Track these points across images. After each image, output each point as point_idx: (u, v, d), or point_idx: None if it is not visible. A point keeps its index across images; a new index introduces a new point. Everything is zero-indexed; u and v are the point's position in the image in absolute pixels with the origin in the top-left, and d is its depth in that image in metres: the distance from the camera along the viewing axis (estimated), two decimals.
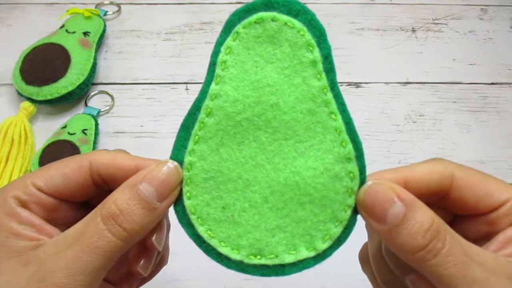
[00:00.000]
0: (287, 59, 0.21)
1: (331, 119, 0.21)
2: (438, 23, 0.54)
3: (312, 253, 0.22)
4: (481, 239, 0.21)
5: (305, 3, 0.22)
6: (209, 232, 0.22)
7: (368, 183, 0.20)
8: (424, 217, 0.18)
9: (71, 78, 0.44)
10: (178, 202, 0.21)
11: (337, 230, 0.21)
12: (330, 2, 0.56)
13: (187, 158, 0.21)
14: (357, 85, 0.49)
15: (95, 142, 0.43)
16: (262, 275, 0.22)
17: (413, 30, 0.53)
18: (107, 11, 0.52)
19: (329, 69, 0.21)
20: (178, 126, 0.44)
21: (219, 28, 0.56)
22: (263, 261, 0.22)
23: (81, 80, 0.44)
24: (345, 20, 0.54)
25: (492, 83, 0.50)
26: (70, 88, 0.43)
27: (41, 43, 0.45)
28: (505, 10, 0.56)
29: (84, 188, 0.21)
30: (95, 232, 0.19)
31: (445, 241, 0.18)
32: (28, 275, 0.18)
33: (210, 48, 0.55)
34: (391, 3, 0.56)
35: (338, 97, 0.21)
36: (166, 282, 0.37)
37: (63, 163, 0.21)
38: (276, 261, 0.22)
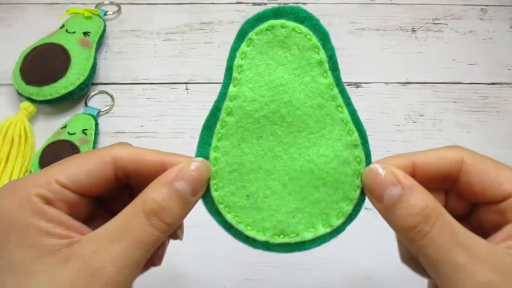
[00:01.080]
0: (296, 61, 0.24)
1: (338, 112, 0.24)
2: (438, 23, 0.54)
3: (328, 229, 0.24)
4: (494, 229, 0.21)
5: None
6: (236, 218, 0.24)
7: (370, 165, 0.22)
8: (417, 201, 0.20)
9: (71, 78, 0.44)
10: (206, 194, 0.24)
11: (348, 208, 0.24)
12: (330, 2, 0.56)
13: (212, 154, 0.24)
14: (357, 85, 0.49)
15: (95, 142, 0.43)
16: (286, 252, 0.25)
17: (413, 30, 0.54)
18: (107, 11, 0.52)
19: (334, 67, 0.24)
20: (178, 126, 0.46)
21: (219, 28, 0.56)
22: (286, 239, 0.24)
23: (81, 80, 0.44)
24: (345, 20, 0.54)
25: (492, 83, 0.50)
26: (70, 88, 0.43)
27: (41, 43, 0.45)
28: (505, 10, 0.56)
29: (106, 183, 0.22)
30: (140, 228, 0.20)
31: (433, 225, 0.19)
32: (73, 273, 0.19)
33: (210, 48, 0.55)
34: (391, 3, 0.56)
35: (343, 92, 0.24)
36: (167, 282, 0.37)
37: (84, 158, 0.22)
38: (298, 239, 0.24)
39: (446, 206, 0.24)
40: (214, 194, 0.24)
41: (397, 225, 0.20)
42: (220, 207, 0.24)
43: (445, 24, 0.54)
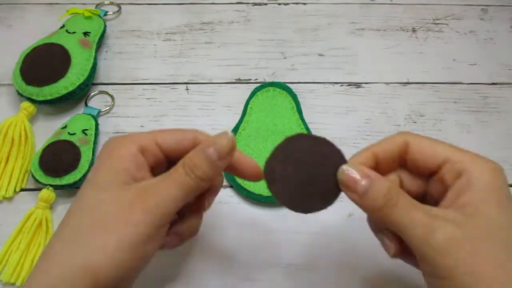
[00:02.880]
0: (280, 106, 0.45)
1: (302, 130, 0.44)
2: (438, 23, 0.54)
3: None
4: (442, 199, 0.27)
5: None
6: (243, 181, 0.41)
7: (343, 167, 0.27)
8: (381, 187, 0.26)
9: (71, 78, 0.44)
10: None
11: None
12: (330, 2, 0.55)
13: None
14: (357, 85, 0.49)
15: (95, 142, 0.43)
16: (272, 201, 0.40)
17: (414, 30, 0.53)
18: (107, 11, 0.52)
19: (299, 111, 0.45)
20: (178, 126, 0.46)
21: (219, 28, 0.56)
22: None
23: (81, 80, 0.44)
24: (345, 20, 0.54)
25: (493, 83, 0.50)
26: (70, 88, 0.43)
27: (41, 43, 0.45)
28: (505, 10, 0.56)
29: (182, 153, 0.29)
30: (178, 175, 0.27)
31: (397, 201, 0.25)
32: (133, 195, 0.26)
33: (210, 48, 0.55)
34: (391, 3, 0.56)
35: (304, 122, 0.45)
36: (166, 282, 0.37)
37: (175, 131, 0.30)
38: None
39: (404, 187, 0.30)
40: None
41: (370, 207, 0.26)
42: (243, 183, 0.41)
43: (446, 24, 0.54)
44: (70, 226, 0.26)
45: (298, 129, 0.43)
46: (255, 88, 0.46)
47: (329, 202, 0.28)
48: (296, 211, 0.28)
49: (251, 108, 0.45)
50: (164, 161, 0.30)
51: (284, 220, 0.41)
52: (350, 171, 0.26)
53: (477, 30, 0.54)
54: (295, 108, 0.45)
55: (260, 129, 0.43)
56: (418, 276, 0.39)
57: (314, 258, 0.39)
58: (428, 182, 0.29)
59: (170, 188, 0.27)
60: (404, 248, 0.28)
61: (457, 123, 0.47)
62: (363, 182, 0.26)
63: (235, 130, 0.44)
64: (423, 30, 0.54)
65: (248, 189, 0.40)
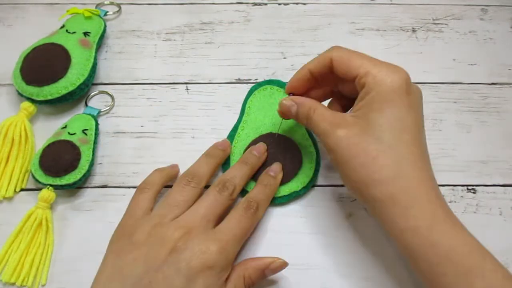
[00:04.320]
0: (276, 105, 0.40)
1: (299, 128, 0.43)
2: (438, 23, 0.54)
3: (298, 188, 0.41)
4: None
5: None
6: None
7: (281, 100, 0.37)
8: (305, 107, 0.35)
9: (72, 78, 0.44)
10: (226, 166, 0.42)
11: (307, 179, 0.42)
12: (330, 2, 0.56)
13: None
14: None
15: (95, 142, 0.43)
16: (273, 202, 0.41)
17: (413, 30, 0.53)
18: (107, 11, 0.52)
19: None
20: (178, 126, 0.46)
21: (219, 28, 0.56)
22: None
23: (82, 80, 0.44)
24: (345, 20, 0.54)
25: (493, 83, 0.50)
26: (71, 88, 0.43)
27: (41, 43, 0.45)
28: (505, 10, 0.56)
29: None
30: (237, 213, 0.37)
31: (314, 114, 0.35)
32: None
33: (210, 48, 0.55)
34: (391, 3, 0.56)
35: None
36: None
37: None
38: (278, 194, 0.41)
39: (344, 89, 0.38)
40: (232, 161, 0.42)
41: (300, 121, 0.36)
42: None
43: (446, 24, 0.54)
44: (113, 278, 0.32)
45: (297, 128, 0.43)
46: (253, 87, 0.46)
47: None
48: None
49: (249, 107, 0.44)
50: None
51: (284, 220, 0.41)
52: (285, 101, 0.37)
53: (477, 30, 0.54)
54: None
55: (259, 129, 0.43)
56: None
57: (314, 258, 0.39)
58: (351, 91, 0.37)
59: (231, 230, 0.35)
60: None
61: (457, 123, 0.47)
62: (293, 108, 0.36)
63: (234, 130, 0.43)
64: (423, 30, 0.54)
65: (248, 190, 0.40)
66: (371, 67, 0.33)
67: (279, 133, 0.42)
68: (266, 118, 0.43)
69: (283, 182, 0.40)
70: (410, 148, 0.32)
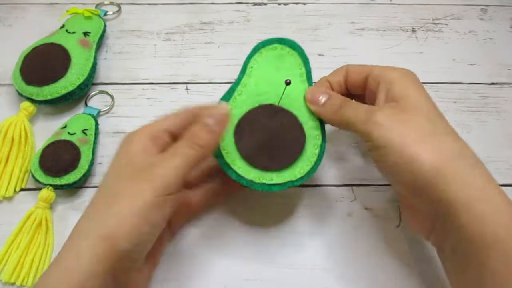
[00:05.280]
0: (287, 70, 0.37)
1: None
2: (438, 23, 0.54)
3: (293, 178, 0.35)
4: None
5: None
6: (232, 161, 0.35)
7: (309, 89, 0.37)
8: (335, 100, 0.35)
9: (71, 78, 0.44)
10: (216, 150, 0.35)
11: (307, 168, 0.35)
12: (330, 2, 0.56)
13: None
14: None
15: (95, 142, 0.43)
16: (262, 189, 0.34)
17: (413, 30, 0.54)
18: (107, 11, 0.52)
19: (309, 77, 0.37)
20: None
21: (219, 28, 0.56)
22: (264, 181, 0.34)
23: (81, 80, 0.44)
24: (345, 20, 0.54)
25: (492, 83, 0.50)
26: (70, 88, 0.43)
27: (41, 43, 0.45)
28: (505, 10, 0.56)
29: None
30: (181, 148, 0.31)
31: (343, 107, 0.34)
32: (140, 169, 0.30)
33: (210, 48, 0.55)
34: (391, 3, 0.56)
35: None
36: (166, 282, 0.37)
37: (179, 114, 0.34)
38: (272, 182, 0.34)
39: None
40: (221, 144, 0.35)
41: (327, 112, 0.35)
42: (223, 152, 0.35)
43: (445, 24, 0.54)
44: (93, 202, 0.31)
45: (305, 102, 0.36)
46: (260, 43, 0.38)
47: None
48: (256, 166, 0.34)
49: (251, 68, 0.37)
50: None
51: (284, 220, 0.41)
52: (314, 90, 0.36)
53: (476, 30, 0.54)
54: (304, 75, 0.37)
55: (259, 97, 0.36)
56: (419, 275, 0.39)
57: (314, 258, 0.39)
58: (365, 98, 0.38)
59: (173, 160, 0.30)
60: None
61: (457, 123, 0.47)
62: (324, 96, 0.35)
63: (229, 92, 0.36)
64: (422, 30, 0.54)
65: (238, 171, 0.34)
66: (382, 68, 0.36)
67: (281, 106, 0.35)
68: (270, 86, 0.36)
69: (279, 167, 0.34)
70: (452, 128, 0.33)
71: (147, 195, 0.29)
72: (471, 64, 0.51)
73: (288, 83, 0.36)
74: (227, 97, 0.36)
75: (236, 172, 0.34)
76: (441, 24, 0.54)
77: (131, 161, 0.31)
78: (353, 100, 0.36)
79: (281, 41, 0.38)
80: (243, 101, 0.35)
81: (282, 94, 0.36)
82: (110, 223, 0.28)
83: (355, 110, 0.34)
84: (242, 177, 0.34)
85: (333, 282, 0.38)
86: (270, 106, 0.35)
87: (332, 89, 0.38)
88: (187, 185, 0.38)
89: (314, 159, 0.35)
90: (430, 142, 0.30)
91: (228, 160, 0.34)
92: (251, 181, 0.34)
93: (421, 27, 0.54)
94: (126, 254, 0.28)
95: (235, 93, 0.36)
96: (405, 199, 0.35)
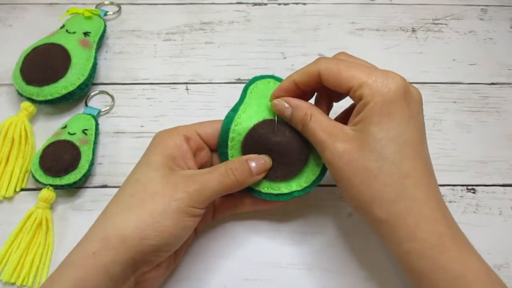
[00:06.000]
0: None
1: None
2: (438, 23, 0.54)
3: (299, 188, 0.36)
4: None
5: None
6: None
7: (274, 101, 0.35)
8: (301, 111, 0.34)
9: (72, 78, 0.44)
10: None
11: (313, 177, 0.37)
12: (330, 2, 0.56)
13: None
14: None
15: (95, 142, 0.43)
16: (270, 198, 0.37)
17: (413, 30, 0.54)
18: (107, 11, 0.52)
19: None
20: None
21: (219, 28, 0.56)
22: (271, 191, 0.37)
23: (82, 80, 0.44)
24: (345, 20, 0.54)
25: (492, 83, 0.50)
26: (71, 88, 0.43)
27: (41, 43, 0.45)
28: (505, 10, 0.56)
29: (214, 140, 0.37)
30: (219, 172, 0.33)
31: (310, 120, 0.33)
32: (178, 177, 0.33)
33: (210, 48, 0.55)
34: (391, 3, 0.56)
35: None
36: (166, 282, 0.37)
37: (213, 122, 0.37)
38: (279, 192, 0.36)
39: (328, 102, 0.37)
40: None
41: (295, 125, 0.34)
42: None
43: (445, 24, 0.54)
44: (126, 194, 0.32)
45: None
46: (255, 77, 0.40)
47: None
48: (263, 178, 0.36)
49: (251, 93, 0.39)
50: (205, 147, 0.37)
51: (284, 220, 0.41)
52: (278, 102, 0.35)
53: (476, 30, 0.54)
54: None
55: (262, 113, 0.37)
56: None
57: (314, 258, 0.39)
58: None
59: (210, 180, 0.32)
60: None
61: (457, 123, 0.47)
62: (288, 110, 0.34)
63: (234, 110, 0.38)
64: (422, 30, 0.54)
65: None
66: (364, 77, 0.31)
67: (283, 121, 0.36)
68: (269, 106, 0.38)
69: (285, 178, 0.36)
70: (412, 163, 0.30)
71: (182, 203, 0.31)
72: (471, 64, 0.51)
73: None
74: (232, 114, 0.37)
75: (259, 192, 0.37)
76: (441, 24, 0.54)
77: (166, 164, 0.33)
78: (318, 110, 0.34)
79: (274, 77, 0.40)
80: (248, 117, 0.37)
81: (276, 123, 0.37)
82: (144, 218, 0.30)
83: (314, 138, 0.33)
84: (251, 188, 0.36)
85: (333, 282, 0.38)
86: (273, 120, 0.36)
87: (302, 91, 0.35)
88: None
89: (319, 168, 0.36)
90: (372, 189, 0.30)
91: None
92: (259, 191, 0.36)
93: (421, 27, 0.54)
94: (153, 250, 0.30)
95: (240, 111, 0.37)
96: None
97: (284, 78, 0.47)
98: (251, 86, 0.39)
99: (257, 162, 0.35)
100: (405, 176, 0.30)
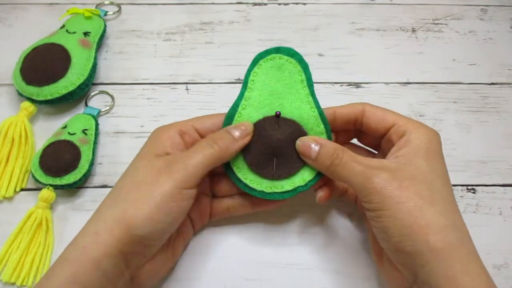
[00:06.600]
0: (287, 79, 0.37)
1: (311, 110, 0.36)
2: (438, 23, 0.54)
3: (302, 183, 0.36)
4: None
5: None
6: (243, 175, 0.36)
7: (300, 139, 0.35)
8: (329, 149, 0.33)
9: (72, 78, 0.44)
10: (227, 165, 0.36)
11: (316, 170, 0.36)
12: (330, 2, 0.56)
13: None
14: (357, 85, 0.49)
15: (95, 142, 0.43)
16: (275, 198, 0.36)
17: (413, 30, 0.54)
18: (107, 11, 0.52)
19: (310, 84, 0.37)
20: None
21: (219, 28, 0.56)
22: (275, 190, 0.36)
23: (82, 80, 0.44)
24: (345, 20, 0.54)
25: (492, 83, 0.50)
26: (71, 88, 0.43)
27: (42, 43, 0.45)
28: (505, 10, 0.56)
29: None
30: (202, 146, 0.33)
31: (342, 159, 0.32)
32: (161, 161, 0.33)
33: (210, 48, 0.55)
34: (391, 3, 0.56)
35: (315, 98, 0.37)
36: (166, 282, 0.37)
37: (212, 116, 0.37)
38: (283, 190, 0.36)
39: (362, 141, 0.39)
40: (231, 161, 0.36)
41: (321, 165, 0.34)
42: (234, 168, 0.36)
43: (445, 24, 0.54)
44: (116, 187, 0.33)
45: (308, 109, 0.36)
46: (258, 55, 0.37)
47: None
48: (266, 177, 0.36)
49: (252, 81, 0.37)
50: None
51: (284, 220, 0.41)
52: (305, 141, 0.35)
53: (476, 30, 0.54)
54: (305, 81, 0.37)
55: (263, 109, 0.36)
56: None
57: (314, 258, 0.39)
58: (381, 141, 0.36)
59: (193, 156, 0.32)
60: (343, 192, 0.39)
61: (457, 123, 0.47)
62: (315, 148, 0.34)
63: (234, 108, 0.37)
64: (423, 30, 0.54)
65: (250, 184, 0.36)
66: (407, 121, 0.34)
67: (285, 116, 0.36)
68: (272, 97, 0.36)
69: (288, 175, 0.36)
70: (454, 200, 0.32)
71: (165, 186, 0.31)
72: (471, 64, 0.51)
73: (278, 115, 0.35)
74: (232, 112, 0.36)
75: (248, 186, 0.36)
76: (441, 24, 0.54)
77: (153, 152, 0.34)
78: (347, 150, 0.33)
79: (279, 50, 0.37)
80: (248, 115, 0.36)
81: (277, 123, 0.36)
82: (128, 209, 0.30)
83: (351, 170, 0.32)
84: (254, 189, 0.36)
85: (333, 282, 0.38)
86: (274, 118, 0.36)
87: (336, 123, 0.36)
88: (218, 193, 0.39)
89: None
90: (427, 215, 0.29)
91: (240, 175, 0.36)
92: (263, 191, 0.36)
93: (421, 27, 0.54)
94: (140, 240, 0.30)
95: (239, 108, 0.37)
96: (382, 252, 0.34)
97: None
98: (252, 72, 0.37)
99: (238, 128, 0.34)
100: (454, 208, 0.31)
